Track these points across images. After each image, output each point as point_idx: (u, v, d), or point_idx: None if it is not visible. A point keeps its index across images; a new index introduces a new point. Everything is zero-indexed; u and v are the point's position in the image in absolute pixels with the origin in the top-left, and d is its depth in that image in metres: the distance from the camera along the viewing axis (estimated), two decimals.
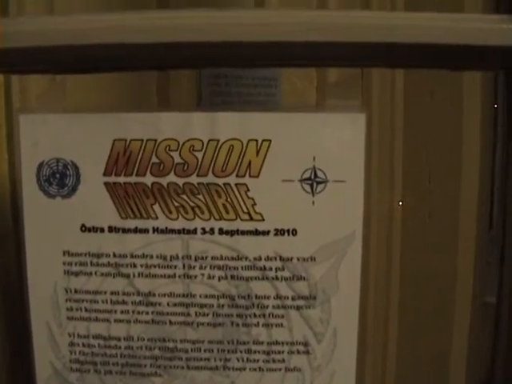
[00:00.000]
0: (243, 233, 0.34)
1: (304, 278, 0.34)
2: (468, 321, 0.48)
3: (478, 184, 0.44)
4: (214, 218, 0.34)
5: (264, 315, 0.35)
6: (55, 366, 0.37)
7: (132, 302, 0.35)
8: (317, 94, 0.35)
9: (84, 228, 0.35)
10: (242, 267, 0.34)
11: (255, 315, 0.35)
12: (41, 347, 0.37)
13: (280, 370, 0.36)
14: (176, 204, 0.34)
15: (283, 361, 0.35)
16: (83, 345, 0.36)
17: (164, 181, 0.34)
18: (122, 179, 0.34)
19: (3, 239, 0.40)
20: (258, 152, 0.33)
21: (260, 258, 0.34)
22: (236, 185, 0.34)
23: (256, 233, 0.34)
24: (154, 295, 0.35)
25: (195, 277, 0.35)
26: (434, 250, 0.42)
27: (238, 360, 0.35)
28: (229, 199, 0.34)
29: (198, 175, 0.34)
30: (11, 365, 0.41)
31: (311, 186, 0.34)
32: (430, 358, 0.46)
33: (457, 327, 0.48)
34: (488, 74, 0.40)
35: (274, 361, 0.35)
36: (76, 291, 0.36)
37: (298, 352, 0.35)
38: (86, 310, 0.36)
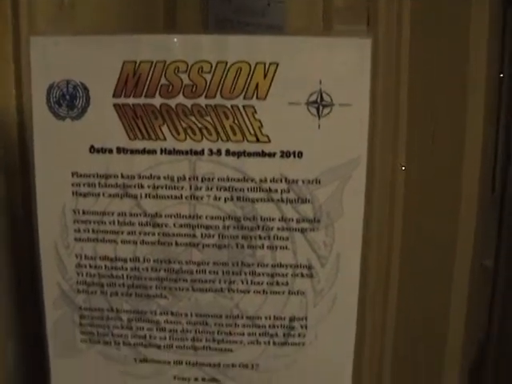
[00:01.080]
0: (249, 154, 0.36)
1: (309, 201, 0.36)
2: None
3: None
4: (221, 140, 0.36)
5: (269, 237, 0.37)
6: (62, 287, 0.39)
7: (139, 223, 0.37)
8: (323, 21, 0.37)
9: (93, 149, 0.37)
10: (247, 189, 0.36)
11: (260, 237, 0.37)
12: (48, 269, 0.39)
13: (283, 292, 0.38)
14: (184, 125, 0.36)
15: (287, 284, 0.37)
16: (90, 266, 0.38)
17: (172, 102, 0.36)
18: (131, 100, 0.36)
19: (11, 170, 0.42)
20: (265, 75, 0.35)
21: (266, 180, 0.36)
22: (243, 107, 0.36)
23: (262, 154, 0.36)
24: (161, 216, 0.37)
25: (201, 198, 0.36)
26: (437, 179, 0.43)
27: (243, 282, 0.37)
28: (236, 121, 0.36)
29: (206, 97, 0.36)
30: (20, 289, 0.43)
31: (317, 109, 0.36)
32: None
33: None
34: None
35: (277, 283, 0.37)
36: (84, 212, 0.37)
37: (302, 275, 0.37)
38: (93, 231, 0.38)
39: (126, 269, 0.38)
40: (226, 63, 0.36)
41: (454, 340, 0.51)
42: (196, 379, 0.40)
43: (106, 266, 0.38)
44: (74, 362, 0.40)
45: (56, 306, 0.39)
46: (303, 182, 0.36)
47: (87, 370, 0.40)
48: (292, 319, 0.38)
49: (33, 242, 0.39)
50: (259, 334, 0.39)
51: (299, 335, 0.38)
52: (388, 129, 0.40)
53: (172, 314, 0.39)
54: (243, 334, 0.39)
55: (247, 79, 0.36)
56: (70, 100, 0.37)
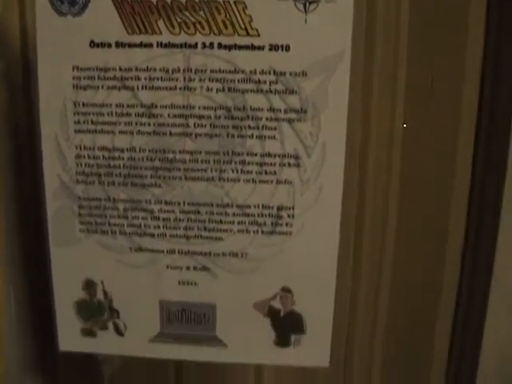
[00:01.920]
0: (240, 47, 0.39)
1: (296, 92, 0.40)
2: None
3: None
4: (214, 34, 0.39)
5: (258, 127, 0.40)
6: (62, 178, 0.42)
7: (135, 114, 0.40)
8: None
9: (93, 44, 0.40)
10: (238, 80, 0.40)
11: (250, 127, 0.40)
12: (49, 161, 0.42)
13: (271, 182, 0.41)
14: (179, 20, 0.39)
15: (275, 173, 0.41)
16: (89, 157, 0.42)
17: None
18: None
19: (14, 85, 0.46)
20: None
21: (255, 72, 0.39)
22: (235, 2, 0.39)
23: (252, 48, 0.39)
24: (156, 107, 0.40)
25: (195, 89, 0.40)
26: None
27: (233, 171, 0.41)
28: (228, 15, 0.39)
29: None
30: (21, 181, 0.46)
31: (304, 4, 0.39)
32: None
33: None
34: None
35: (266, 173, 0.41)
36: (84, 104, 0.41)
37: (289, 165, 0.41)
38: (92, 122, 0.41)
39: (123, 159, 0.42)
40: None
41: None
42: (188, 268, 0.43)
43: (104, 157, 0.42)
44: (73, 250, 0.43)
45: (56, 197, 0.43)
46: (290, 74, 0.40)
47: (85, 259, 0.44)
48: (280, 208, 0.41)
49: (34, 145, 0.42)
50: (248, 223, 0.42)
51: (286, 224, 0.42)
52: (387, 71, 0.44)
53: (166, 202, 0.42)
54: (233, 223, 0.42)
55: None
56: None
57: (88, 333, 0.46)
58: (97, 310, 0.45)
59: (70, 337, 0.46)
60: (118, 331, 0.45)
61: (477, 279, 0.48)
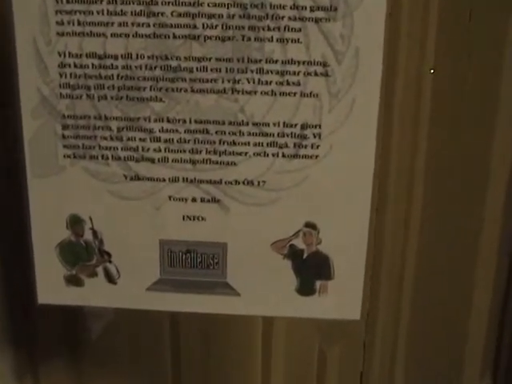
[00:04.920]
0: None
1: None
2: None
3: None
4: None
5: (279, 28, 0.38)
6: (43, 92, 0.40)
7: (131, 12, 0.38)
8: None
9: None
10: None
11: (269, 28, 0.38)
12: (26, 71, 0.40)
13: (295, 94, 0.39)
14: None
15: (299, 83, 0.39)
16: (75, 65, 0.39)
17: None
18: None
19: None
20: None
21: None
22: None
23: None
24: (157, 3, 0.38)
25: None
26: None
27: (249, 81, 0.39)
28: None
29: None
30: None
31: None
32: None
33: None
34: None
35: (288, 83, 0.39)
36: (68, 1, 0.38)
37: (316, 74, 0.38)
38: (78, 23, 0.39)
39: (117, 67, 0.39)
40: None
41: None
42: (194, 200, 0.41)
43: (93, 65, 0.40)
44: (56, 180, 0.41)
45: (35, 116, 0.41)
46: None
47: (70, 191, 0.41)
48: (304, 127, 0.39)
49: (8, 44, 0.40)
50: (267, 144, 0.40)
51: (312, 146, 0.40)
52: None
53: (168, 120, 0.40)
54: (248, 144, 0.40)
55: None
56: None
57: (73, 281, 0.44)
58: (84, 254, 0.43)
59: (51, 287, 0.44)
60: (110, 278, 0.43)
61: None
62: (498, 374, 0.52)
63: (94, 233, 0.42)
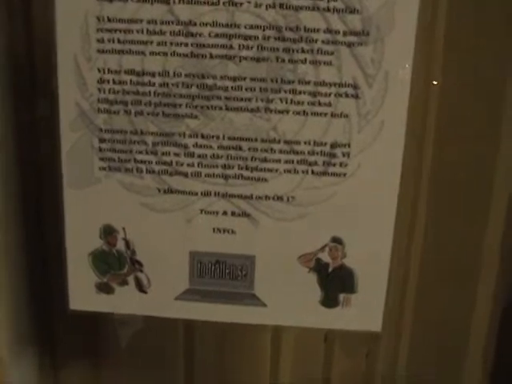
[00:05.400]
0: None
1: (357, 11, 0.39)
2: None
3: None
4: None
5: (312, 51, 0.40)
6: (82, 106, 0.42)
7: (170, 32, 0.40)
8: None
9: None
10: None
11: (303, 50, 0.40)
12: (66, 86, 0.42)
13: (325, 114, 0.41)
14: None
15: (329, 104, 0.40)
16: (114, 81, 0.41)
17: None
18: None
19: None
20: None
21: None
22: None
23: None
24: (195, 24, 0.40)
25: (241, 4, 0.39)
26: None
27: (282, 101, 0.40)
28: None
29: None
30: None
31: None
32: None
33: None
34: None
35: (319, 104, 0.40)
36: (109, 20, 0.40)
37: (347, 95, 0.40)
38: (118, 41, 0.40)
39: (154, 84, 0.41)
40: None
41: None
42: (225, 213, 0.43)
43: (131, 81, 0.41)
44: (91, 191, 0.43)
45: (73, 128, 0.42)
46: None
47: (105, 201, 0.43)
48: (334, 145, 0.41)
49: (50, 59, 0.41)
50: (297, 162, 0.42)
51: (340, 164, 0.42)
52: None
53: (202, 136, 0.41)
54: (279, 162, 0.42)
55: None
56: None
57: (104, 289, 0.45)
58: (116, 263, 0.45)
59: (82, 294, 0.45)
60: (141, 287, 0.45)
61: None
62: (498, 376, 0.54)
63: (127, 243, 0.44)
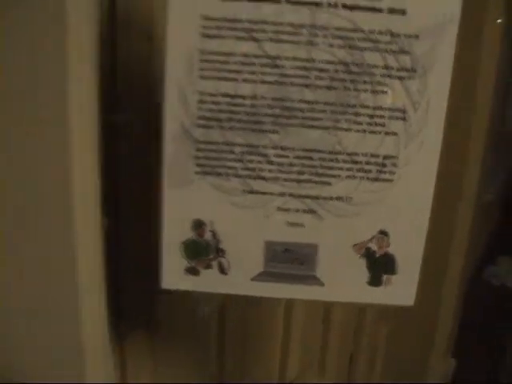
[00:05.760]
0: (362, 8, 0.50)
1: (408, 53, 0.51)
2: None
3: None
4: None
5: (372, 82, 0.51)
6: (184, 122, 0.51)
7: (259, 64, 0.50)
8: None
9: None
10: (358, 38, 0.50)
11: (365, 82, 0.51)
12: (171, 105, 0.51)
13: (380, 133, 0.52)
14: None
15: (383, 125, 0.51)
16: (211, 102, 0.51)
17: None
18: None
19: None
20: None
21: (374, 32, 0.50)
22: None
23: (372, 9, 0.50)
24: (280, 59, 0.50)
25: (318, 44, 0.50)
26: None
27: (346, 121, 0.51)
28: None
29: None
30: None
31: None
32: None
33: None
34: None
35: (375, 124, 0.51)
36: (210, 53, 0.50)
37: (397, 118, 0.51)
38: (217, 70, 0.50)
39: (244, 105, 0.51)
40: None
41: None
42: (296, 210, 0.53)
43: (226, 103, 0.51)
44: (186, 191, 0.53)
45: (175, 140, 0.52)
46: (405, 36, 0.50)
47: (198, 200, 0.53)
48: (385, 157, 0.52)
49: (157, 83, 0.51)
50: (356, 170, 0.52)
51: (389, 173, 0.53)
52: None
53: (282, 148, 0.52)
54: (342, 169, 0.52)
55: None
56: None
57: (192, 271, 0.55)
58: (203, 250, 0.54)
59: (173, 275, 0.55)
60: (222, 270, 0.55)
61: None
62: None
63: (214, 234, 0.54)
